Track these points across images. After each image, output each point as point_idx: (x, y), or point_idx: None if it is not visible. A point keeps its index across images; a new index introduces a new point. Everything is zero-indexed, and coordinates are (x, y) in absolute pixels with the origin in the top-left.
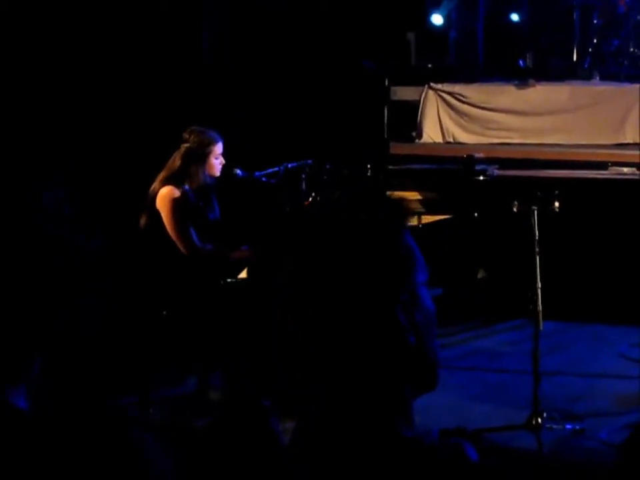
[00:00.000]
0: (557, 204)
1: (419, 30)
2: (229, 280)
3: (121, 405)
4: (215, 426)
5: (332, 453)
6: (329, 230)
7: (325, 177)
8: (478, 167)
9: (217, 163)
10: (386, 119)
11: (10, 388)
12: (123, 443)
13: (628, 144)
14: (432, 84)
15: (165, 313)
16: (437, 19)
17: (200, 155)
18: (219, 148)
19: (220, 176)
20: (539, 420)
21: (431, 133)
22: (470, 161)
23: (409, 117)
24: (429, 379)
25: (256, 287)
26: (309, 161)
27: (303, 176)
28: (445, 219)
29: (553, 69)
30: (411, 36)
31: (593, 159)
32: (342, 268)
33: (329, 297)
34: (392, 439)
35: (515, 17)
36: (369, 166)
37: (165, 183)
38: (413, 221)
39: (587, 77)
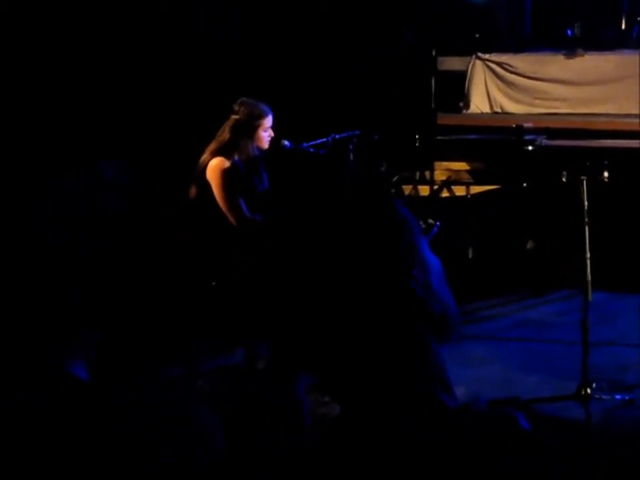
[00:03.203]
0: (606, 174)
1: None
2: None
3: (171, 377)
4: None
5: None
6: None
7: (373, 148)
8: (527, 137)
9: (265, 136)
10: (433, 89)
11: (70, 358)
12: (178, 412)
13: None
14: (479, 54)
15: (214, 283)
16: None
17: (249, 128)
18: (268, 121)
19: (268, 147)
20: (588, 390)
21: (478, 103)
22: (519, 131)
23: (456, 87)
24: (443, 330)
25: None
26: (357, 132)
27: (351, 147)
28: (493, 189)
29: (601, 38)
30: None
31: None
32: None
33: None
34: (436, 410)
35: None
36: (417, 136)
37: (214, 154)
38: (462, 191)
39: (635, 45)
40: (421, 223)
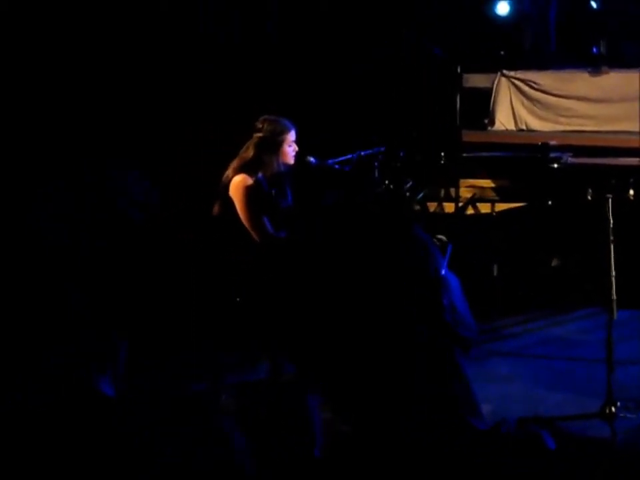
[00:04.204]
0: (631, 192)
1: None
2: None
3: (196, 392)
4: None
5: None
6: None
7: (398, 165)
8: (552, 155)
9: (290, 150)
10: (458, 106)
11: (97, 375)
12: (205, 428)
13: None
14: (504, 71)
15: (238, 299)
16: (503, 8)
17: (273, 144)
18: (291, 136)
19: (293, 164)
20: (613, 409)
21: (503, 121)
22: (544, 148)
23: (481, 104)
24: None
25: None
26: (382, 149)
27: (376, 164)
28: (518, 207)
29: (627, 56)
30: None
31: None
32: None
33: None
34: (466, 433)
35: (593, 4)
36: (442, 153)
37: (238, 171)
38: (487, 209)
39: None
40: (434, 240)
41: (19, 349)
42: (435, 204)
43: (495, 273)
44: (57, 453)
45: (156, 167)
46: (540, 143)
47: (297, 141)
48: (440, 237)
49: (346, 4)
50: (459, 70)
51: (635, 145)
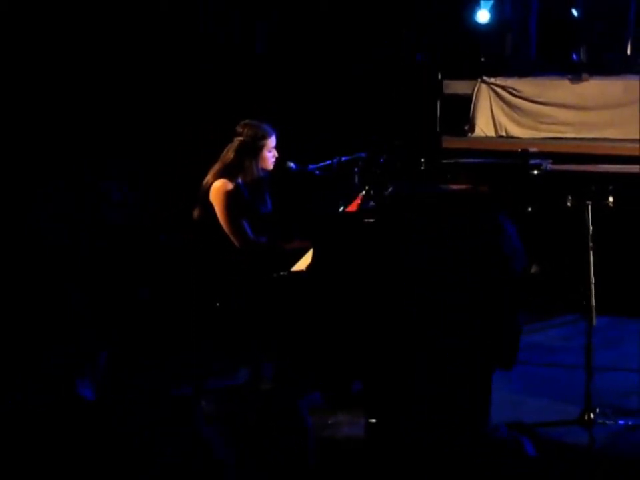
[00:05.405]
0: (611, 199)
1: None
2: (281, 273)
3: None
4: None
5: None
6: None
7: (378, 171)
8: (532, 161)
9: (270, 156)
10: (438, 112)
11: (78, 379)
12: (186, 432)
13: None
14: (485, 77)
15: (217, 304)
16: (483, 16)
17: (253, 149)
18: (272, 141)
19: (273, 169)
20: (591, 415)
21: (483, 127)
22: (524, 155)
23: (462, 110)
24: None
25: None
26: (362, 154)
27: (356, 169)
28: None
29: (607, 63)
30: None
31: None
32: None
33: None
34: (465, 433)
35: (574, 12)
36: (422, 160)
37: (218, 176)
38: None
39: None
40: None
41: (19, 348)
42: None
43: None
44: (48, 454)
45: (155, 167)
46: (520, 150)
47: (278, 147)
48: None
49: (346, 4)
50: (439, 76)
51: (615, 152)
